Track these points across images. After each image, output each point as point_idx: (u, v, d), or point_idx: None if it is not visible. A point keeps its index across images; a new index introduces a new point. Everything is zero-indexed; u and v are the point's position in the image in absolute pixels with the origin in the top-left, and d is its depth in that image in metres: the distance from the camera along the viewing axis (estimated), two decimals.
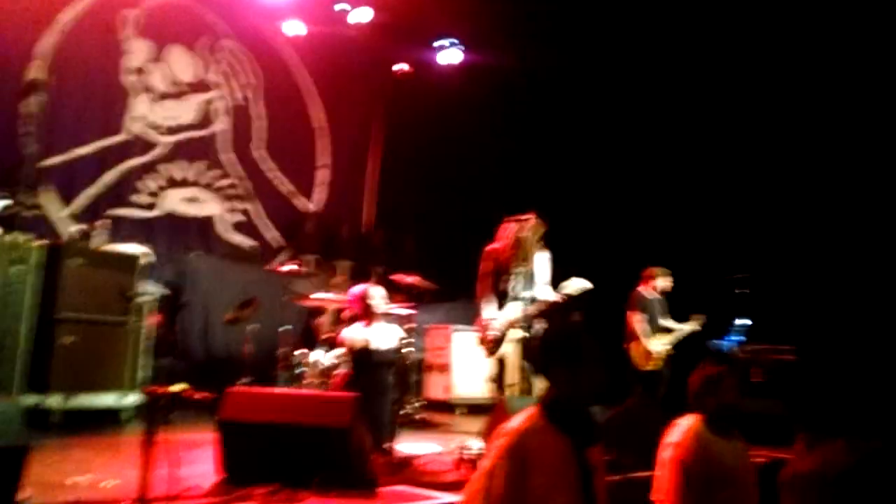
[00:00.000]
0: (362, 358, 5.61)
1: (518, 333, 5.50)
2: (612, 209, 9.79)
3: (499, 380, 5.53)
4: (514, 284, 5.57)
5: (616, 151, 9.78)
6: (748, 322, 7.88)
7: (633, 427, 4.82)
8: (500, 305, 5.58)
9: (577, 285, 5.38)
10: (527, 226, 5.65)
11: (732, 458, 3.16)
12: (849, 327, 7.29)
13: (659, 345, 7.60)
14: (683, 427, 3.22)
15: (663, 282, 7.78)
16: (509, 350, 5.49)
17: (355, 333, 5.73)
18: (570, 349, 2.40)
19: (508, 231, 5.70)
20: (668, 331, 7.71)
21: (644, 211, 9.51)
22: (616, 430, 4.80)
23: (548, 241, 5.76)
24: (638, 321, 7.62)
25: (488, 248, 5.74)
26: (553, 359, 2.43)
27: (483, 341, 5.59)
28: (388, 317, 6.29)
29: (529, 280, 5.60)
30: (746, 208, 8.71)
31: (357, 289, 6.00)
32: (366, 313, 5.81)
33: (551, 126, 10.15)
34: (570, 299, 5.42)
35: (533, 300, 5.49)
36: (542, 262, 5.70)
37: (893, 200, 7.56)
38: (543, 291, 5.59)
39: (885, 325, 7.08)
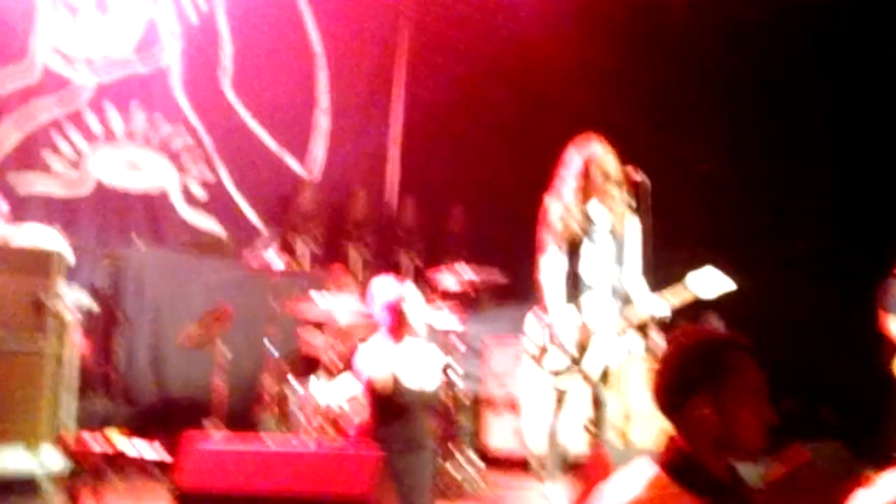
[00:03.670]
0: (388, 400, 5.57)
1: (618, 344, 5.44)
2: None
3: (596, 420, 5.58)
4: (593, 260, 5.49)
5: None
6: None
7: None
8: (573, 295, 5.50)
9: (711, 284, 5.22)
10: (604, 161, 5.50)
11: None
12: None
13: None
14: None
15: None
16: (617, 371, 5.53)
17: (378, 361, 5.64)
18: (714, 366, 2.31)
19: (573, 166, 5.60)
20: None
21: None
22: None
23: (643, 202, 5.52)
24: None
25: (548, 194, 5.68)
26: (686, 383, 2.34)
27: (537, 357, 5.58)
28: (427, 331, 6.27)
29: (618, 254, 5.53)
30: None
31: (386, 292, 5.88)
32: (399, 328, 5.76)
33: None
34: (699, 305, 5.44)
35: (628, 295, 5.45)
36: (632, 234, 5.58)
37: None
38: (638, 285, 5.50)
39: None
